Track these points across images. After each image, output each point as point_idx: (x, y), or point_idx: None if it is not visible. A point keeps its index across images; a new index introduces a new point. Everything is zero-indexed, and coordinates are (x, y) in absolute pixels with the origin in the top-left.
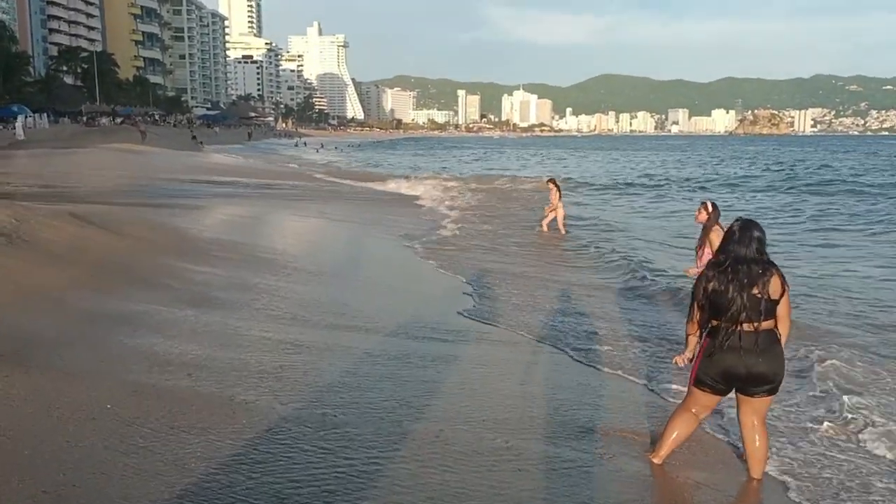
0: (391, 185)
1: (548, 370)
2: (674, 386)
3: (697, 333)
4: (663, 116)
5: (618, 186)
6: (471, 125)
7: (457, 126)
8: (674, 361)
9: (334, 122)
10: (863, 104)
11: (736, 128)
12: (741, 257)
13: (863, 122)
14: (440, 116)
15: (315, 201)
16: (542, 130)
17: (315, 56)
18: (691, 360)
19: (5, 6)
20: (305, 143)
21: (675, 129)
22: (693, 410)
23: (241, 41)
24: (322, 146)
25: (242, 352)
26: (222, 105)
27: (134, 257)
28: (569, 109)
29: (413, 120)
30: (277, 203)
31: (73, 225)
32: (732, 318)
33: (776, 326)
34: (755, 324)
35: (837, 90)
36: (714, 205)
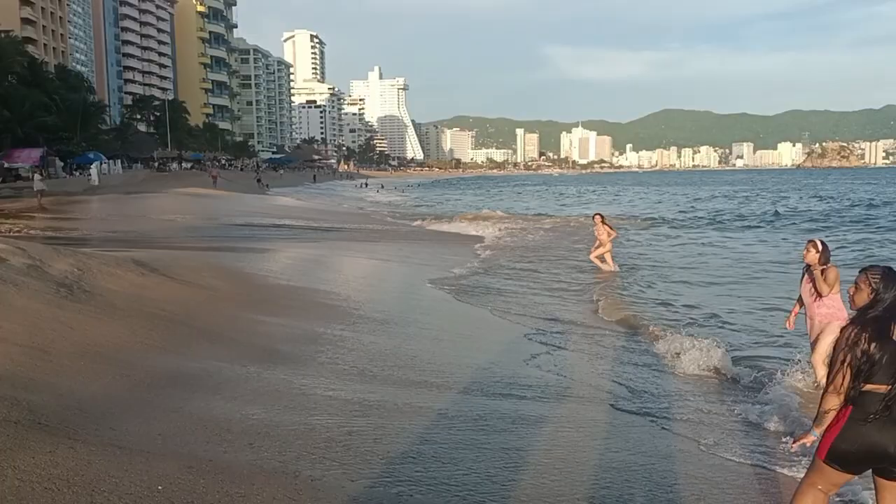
0: (455, 225)
1: (637, 434)
2: (784, 470)
3: (839, 405)
4: (727, 150)
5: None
6: (529, 163)
7: (515, 164)
8: (792, 446)
9: (394, 162)
10: None
11: (804, 161)
12: None
13: None
14: (498, 155)
15: (379, 242)
16: (601, 167)
17: (376, 99)
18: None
19: (83, 59)
20: (366, 185)
21: (739, 164)
22: (820, 487)
23: (306, 87)
24: (382, 186)
25: (308, 415)
26: (287, 149)
27: (195, 307)
28: (629, 145)
29: (472, 159)
30: (341, 245)
31: (135, 273)
32: (886, 380)
33: None
34: None
35: None
36: (824, 243)
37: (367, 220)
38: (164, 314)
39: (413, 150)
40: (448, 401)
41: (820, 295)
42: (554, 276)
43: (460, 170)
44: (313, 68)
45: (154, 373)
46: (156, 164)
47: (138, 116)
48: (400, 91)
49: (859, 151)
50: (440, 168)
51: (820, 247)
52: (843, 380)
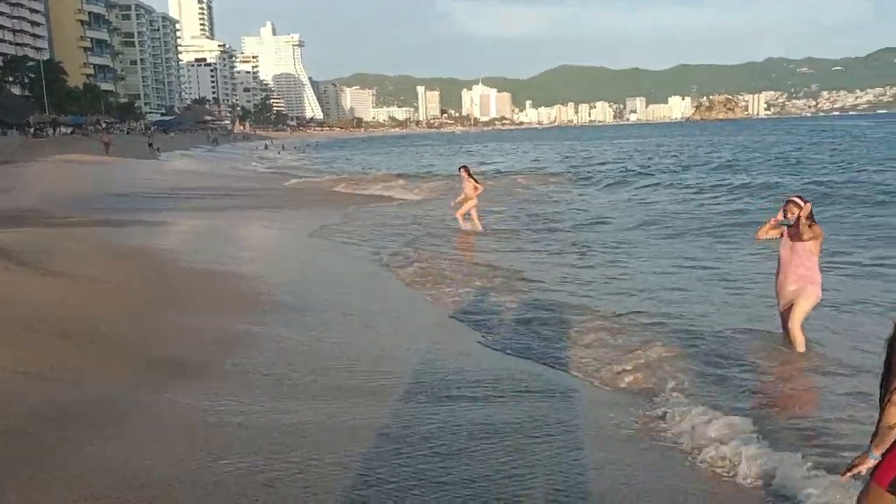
0: (371, 188)
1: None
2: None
3: None
4: (621, 105)
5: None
6: (432, 121)
7: (417, 123)
8: (843, 477)
9: (293, 122)
10: (814, 86)
11: (693, 114)
12: None
13: (814, 103)
14: (400, 114)
15: (286, 209)
16: (502, 124)
17: (270, 57)
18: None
19: None
20: (271, 145)
21: (633, 118)
22: None
23: (194, 44)
24: (283, 147)
25: (216, 457)
26: (177, 110)
27: (82, 310)
28: (528, 102)
29: (373, 118)
30: (247, 214)
31: None
32: None
33: None
34: None
35: (789, 73)
36: (804, 199)
37: (271, 184)
38: (39, 325)
39: (312, 109)
40: (389, 414)
41: (801, 238)
42: (482, 245)
43: (362, 129)
44: (201, 24)
45: (20, 413)
46: (31, 130)
47: (10, 79)
48: (295, 48)
49: (743, 103)
50: (341, 127)
51: (802, 203)
52: None
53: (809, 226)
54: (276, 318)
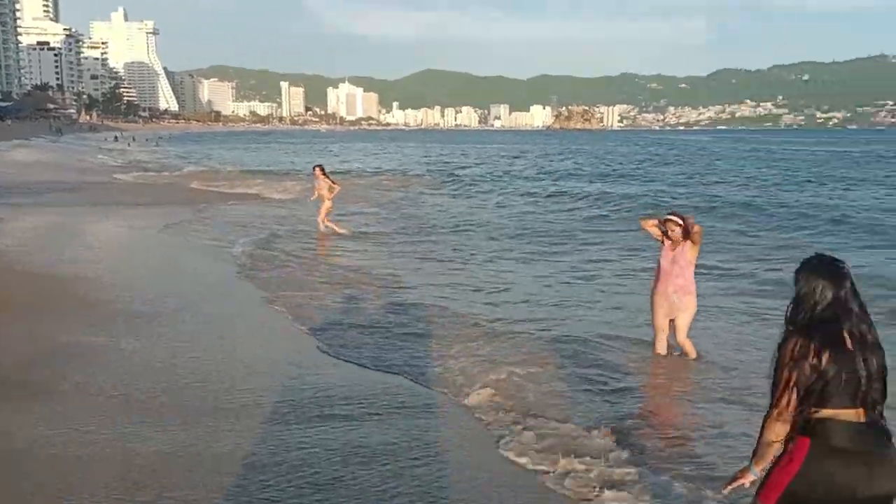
0: (230, 185)
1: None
2: None
3: (783, 436)
4: (486, 111)
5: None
6: (296, 118)
7: (281, 119)
8: (724, 489)
9: (145, 114)
10: (662, 101)
11: (553, 123)
12: (848, 310)
13: (662, 117)
14: (262, 109)
15: (133, 206)
16: (369, 124)
17: (121, 43)
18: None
19: None
20: (121, 137)
21: (497, 124)
22: None
23: (36, 26)
24: (134, 139)
25: None
26: (15, 96)
27: None
28: (395, 103)
29: (233, 112)
30: (92, 211)
31: None
32: (850, 402)
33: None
34: (878, 409)
35: (640, 88)
36: (681, 216)
37: (119, 178)
38: None
39: (167, 100)
40: (254, 439)
41: (688, 238)
42: (346, 248)
43: (220, 123)
44: (45, 6)
45: None
46: None
47: None
48: (149, 35)
49: (599, 115)
50: (198, 121)
51: (681, 221)
52: (790, 404)
53: (692, 241)
54: (123, 328)
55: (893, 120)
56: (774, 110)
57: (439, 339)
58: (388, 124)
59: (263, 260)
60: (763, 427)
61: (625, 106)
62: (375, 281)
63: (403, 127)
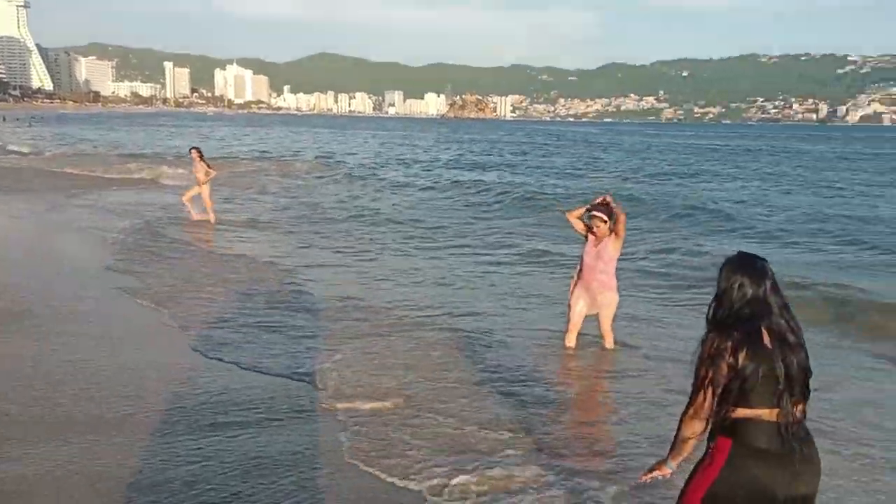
0: (107, 170)
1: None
2: None
3: (698, 435)
4: (380, 98)
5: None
6: (181, 100)
7: (165, 101)
8: (641, 478)
9: (16, 92)
10: (553, 92)
11: (447, 111)
12: (768, 308)
13: (553, 108)
14: (145, 90)
15: (15, 192)
16: (259, 107)
17: None
18: (671, 474)
19: None
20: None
21: (392, 111)
22: None
23: None
24: (3, 119)
25: None
26: None
27: None
28: (287, 87)
29: (114, 92)
30: None
31: None
32: (770, 402)
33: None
34: (803, 406)
35: (531, 79)
36: (606, 210)
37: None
38: None
39: (40, 79)
40: (140, 453)
41: (615, 233)
42: (231, 236)
43: (99, 104)
44: None
45: None
46: None
47: None
48: (19, 9)
49: (493, 104)
50: (75, 101)
51: (606, 218)
52: (706, 402)
53: (616, 234)
54: None
55: (763, 115)
56: (656, 104)
57: (337, 335)
58: (279, 108)
59: (144, 251)
60: (679, 423)
61: (517, 96)
62: (268, 272)
63: (295, 112)
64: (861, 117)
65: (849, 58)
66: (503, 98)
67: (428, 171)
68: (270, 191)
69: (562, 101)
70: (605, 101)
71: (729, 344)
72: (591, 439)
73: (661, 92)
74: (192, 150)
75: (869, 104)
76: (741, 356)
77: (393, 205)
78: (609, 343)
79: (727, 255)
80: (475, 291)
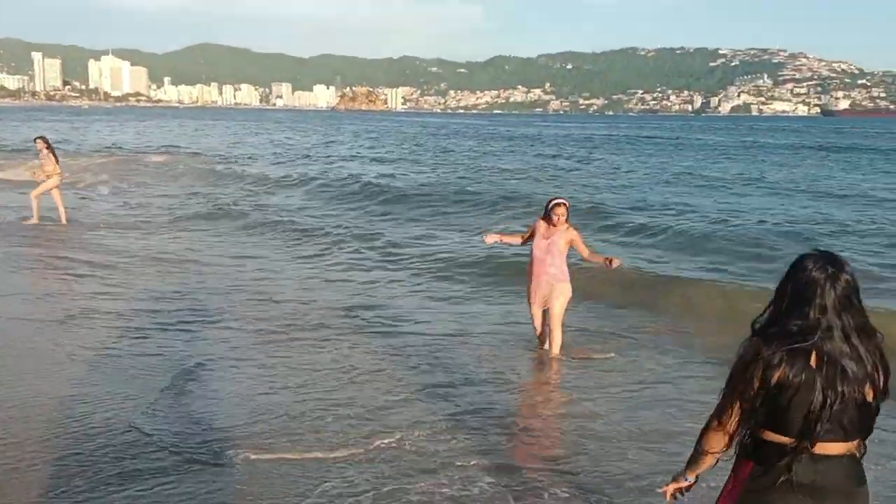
0: None
1: None
2: None
3: (721, 452)
4: (267, 90)
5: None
6: (52, 93)
7: (34, 94)
8: (664, 491)
9: None
10: (443, 85)
11: (338, 103)
12: (827, 328)
13: (444, 100)
14: (12, 82)
15: None
16: (138, 100)
17: None
18: (688, 490)
19: None
20: None
21: (280, 103)
22: None
23: None
24: None
25: None
26: None
27: None
28: (167, 79)
29: None
30: None
31: None
32: (807, 434)
33: (863, 444)
34: (845, 443)
35: (421, 71)
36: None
37: None
38: None
39: None
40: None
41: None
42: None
43: None
44: None
45: None
46: None
47: None
48: None
49: (384, 96)
50: None
51: (566, 203)
52: (733, 415)
53: (567, 227)
54: None
55: (643, 107)
56: (543, 96)
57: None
58: (159, 101)
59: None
60: (701, 433)
61: (408, 88)
62: (138, 276)
63: (177, 104)
64: (732, 108)
65: (720, 51)
66: (394, 90)
67: (319, 163)
68: (147, 185)
69: (452, 93)
70: (494, 93)
71: (767, 356)
72: (530, 445)
73: (548, 84)
74: (38, 140)
75: (738, 95)
76: (776, 373)
77: (282, 199)
78: (556, 348)
79: (801, 254)
80: (396, 292)
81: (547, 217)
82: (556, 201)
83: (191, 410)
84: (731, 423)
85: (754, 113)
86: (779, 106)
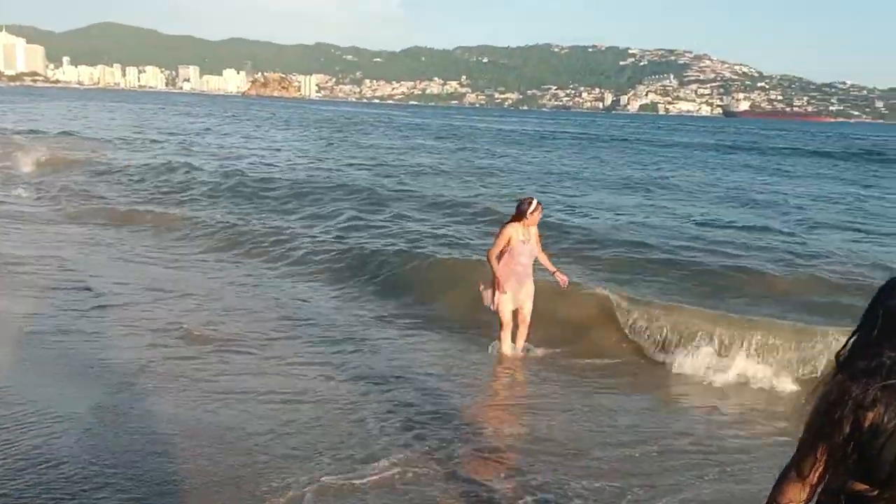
0: None
1: None
2: None
3: (804, 501)
4: (174, 73)
5: None
6: None
7: None
8: None
9: None
10: (358, 73)
11: (249, 89)
12: None
13: (359, 90)
14: None
15: None
16: (34, 80)
17: None
18: None
19: None
20: None
21: (187, 87)
22: None
23: None
24: None
25: None
26: None
27: None
28: (66, 58)
29: None
30: None
31: None
32: (891, 483)
33: None
34: None
35: (336, 59)
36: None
37: None
38: None
39: None
40: None
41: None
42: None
43: None
44: None
45: None
46: None
47: None
48: None
49: (297, 83)
50: None
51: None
52: (816, 464)
53: (539, 235)
54: None
55: (556, 103)
56: (460, 89)
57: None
58: (57, 81)
59: None
60: (776, 485)
61: (322, 76)
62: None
63: (77, 85)
64: (640, 106)
65: (629, 51)
66: (308, 77)
67: (222, 150)
68: (40, 175)
69: (368, 82)
70: (410, 83)
71: (857, 395)
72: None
73: (464, 77)
74: None
75: (647, 94)
76: (870, 415)
77: (190, 196)
78: (522, 341)
79: (893, 276)
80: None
81: (522, 218)
82: (533, 202)
83: None
84: (815, 475)
85: (661, 112)
86: (684, 106)
